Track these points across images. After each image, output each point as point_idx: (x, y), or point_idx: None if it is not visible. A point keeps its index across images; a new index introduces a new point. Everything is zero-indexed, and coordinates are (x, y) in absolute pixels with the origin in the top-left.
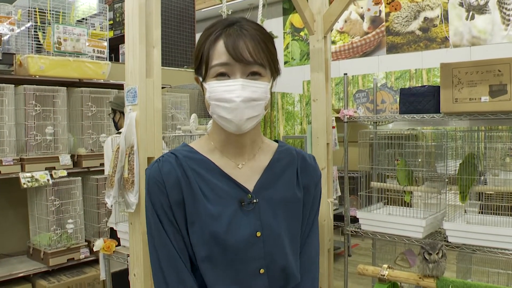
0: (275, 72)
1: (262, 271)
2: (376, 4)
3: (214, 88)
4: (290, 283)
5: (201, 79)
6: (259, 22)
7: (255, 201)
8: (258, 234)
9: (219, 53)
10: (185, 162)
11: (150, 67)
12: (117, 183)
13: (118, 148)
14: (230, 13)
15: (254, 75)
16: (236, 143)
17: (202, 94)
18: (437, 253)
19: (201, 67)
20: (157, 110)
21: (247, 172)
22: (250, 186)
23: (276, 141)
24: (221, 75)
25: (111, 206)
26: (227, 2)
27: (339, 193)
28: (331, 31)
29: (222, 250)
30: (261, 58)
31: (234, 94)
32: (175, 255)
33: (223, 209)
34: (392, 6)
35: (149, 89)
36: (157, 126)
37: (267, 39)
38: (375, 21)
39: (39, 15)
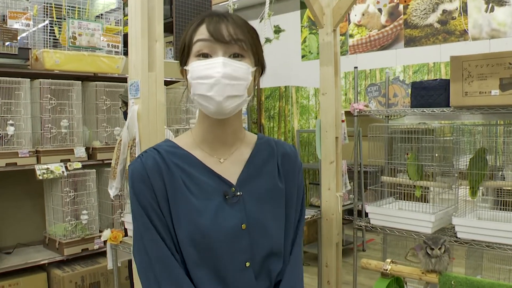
0: (259, 63)
1: (248, 264)
2: None
3: (195, 67)
4: (274, 275)
5: (185, 68)
6: (266, 16)
7: (239, 193)
8: (244, 226)
9: (201, 33)
10: (167, 156)
11: (152, 61)
12: (119, 175)
13: (121, 140)
14: (236, 7)
15: (236, 56)
16: (218, 133)
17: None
18: (440, 248)
19: (184, 53)
20: (160, 104)
21: (229, 166)
22: (233, 179)
23: (256, 134)
24: (203, 56)
25: (113, 196)
26: None
27: (349, 187)
28: (348, 24)
29: (208, 243)
30: (241, 40)
31: (215, 70)
32: (168, 255)
33: (207, 203)
34: None
35: (151, 83)
36: (160, 119)
37: (250, 29)
38: (393, 14)
39: (55, 10)
